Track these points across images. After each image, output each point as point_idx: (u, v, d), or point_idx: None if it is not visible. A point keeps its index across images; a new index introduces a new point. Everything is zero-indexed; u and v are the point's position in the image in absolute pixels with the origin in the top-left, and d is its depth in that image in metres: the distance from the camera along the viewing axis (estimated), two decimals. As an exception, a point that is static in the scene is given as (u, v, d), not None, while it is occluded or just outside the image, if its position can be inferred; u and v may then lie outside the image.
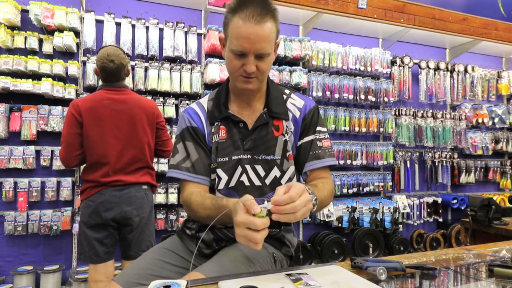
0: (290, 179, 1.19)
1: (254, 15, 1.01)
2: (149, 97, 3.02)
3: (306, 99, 1.25)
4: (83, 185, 2.06)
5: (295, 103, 1.23)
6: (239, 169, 1.16)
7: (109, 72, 2.06)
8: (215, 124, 1.19)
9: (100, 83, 2.15)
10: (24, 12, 2.84)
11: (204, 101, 1.26)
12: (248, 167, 1.16)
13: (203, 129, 1.20)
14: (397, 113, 4.01)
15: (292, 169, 1.19)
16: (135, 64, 3.05)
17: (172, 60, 3.20)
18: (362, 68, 3.76)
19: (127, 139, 2.04)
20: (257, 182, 1.16)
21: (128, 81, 2.98)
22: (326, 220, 3.53)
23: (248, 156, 1.16)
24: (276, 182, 1.16)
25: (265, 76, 1.14)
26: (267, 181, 1.17)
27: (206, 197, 1.08)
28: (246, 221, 0.80)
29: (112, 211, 1.98)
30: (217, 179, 1.17)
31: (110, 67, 2.04)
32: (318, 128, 1.21)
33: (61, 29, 2.87)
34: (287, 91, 1.26)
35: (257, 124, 1.17)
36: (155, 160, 3.01)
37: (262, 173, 1.17)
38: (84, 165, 2.09)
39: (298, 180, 1.25)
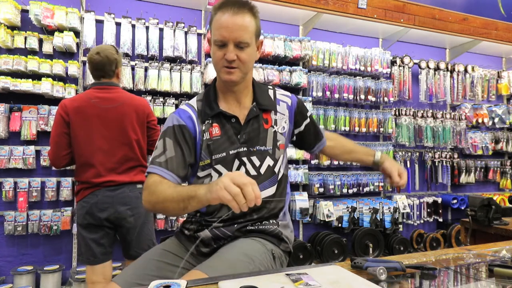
0: (281, 166, 1.27)
1: (233, 8, 1.12)
2: (149, 97, 3.03)
3: (289, 93, 1.38)
4: (77, 186, 2.06)
5: (284, 94, 1.35)
6: (237, 162, 1.21)
7: (94, 64, 2.05)
8: (206, 122, 1.22)
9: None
10: (24, 12, 2.84)
11: (193, 101, 1.29)
12: (245, 159, 1.22)
13: (193, 127, 1.22)
14: (397, 113, 4.01)
15: (282, 157, 1.29)
16: (135, 64, 3.05)
17: (172, 60, 3.19)
18: (362, 68, 3.75)
19: (116, 138, 2.01)
20: (253, 172, 1.21)
21: (128, 81, 2.98)
22: (326, 220, 3.52)
23: (244, 149, 1.21)
24: (270, 170, 1.24)
25: (247, 68, 1.18)
26: (262, 170, 1.23)
27: (178, 186, 1.12)
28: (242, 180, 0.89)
29: (105, 211, 1.97)
30: (218, 175, 1.20)
31: (95, 59, 2.03)
32: (308, 113, 1.40)
33: (61, 29, 2.86)
34: (271, 87, 1.36)
35: (249, 117, 1.23)
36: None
37: (257, 163, 1.23)
38: (74, 166, 2.08)
39: (286, 167, 1.35)
